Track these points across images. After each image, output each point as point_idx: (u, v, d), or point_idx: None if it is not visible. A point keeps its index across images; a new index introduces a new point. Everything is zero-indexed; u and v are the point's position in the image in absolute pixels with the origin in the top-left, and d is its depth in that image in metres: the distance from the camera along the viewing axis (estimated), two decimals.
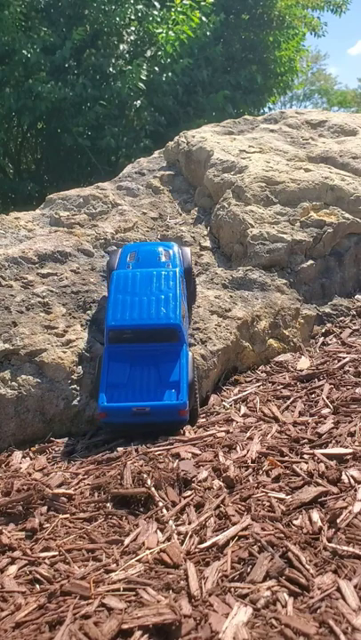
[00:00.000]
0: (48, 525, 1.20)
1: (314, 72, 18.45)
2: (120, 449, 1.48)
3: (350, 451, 1.32)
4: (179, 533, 1.12)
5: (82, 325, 1.81)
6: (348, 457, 1.31)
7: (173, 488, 1.27)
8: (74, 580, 1.01)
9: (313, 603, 0.90)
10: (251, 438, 1.46)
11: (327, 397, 1.64)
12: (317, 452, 1.34)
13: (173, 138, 3.09)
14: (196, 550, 1.06)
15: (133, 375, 1.55)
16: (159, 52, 6.20)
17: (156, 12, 6.29)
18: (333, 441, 1.39)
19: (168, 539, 1.11)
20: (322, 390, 1.69)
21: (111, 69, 6.10)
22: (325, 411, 1.57)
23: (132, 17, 6.24)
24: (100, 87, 6.15)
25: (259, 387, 1.80)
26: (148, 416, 1.51)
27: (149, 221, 2.51)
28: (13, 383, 1.63)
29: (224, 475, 1.29)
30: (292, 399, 1.68)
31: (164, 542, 1.10)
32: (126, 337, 1.59)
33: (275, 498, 1.19)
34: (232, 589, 0.94)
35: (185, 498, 1.24)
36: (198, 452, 1.42)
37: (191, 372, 1.57)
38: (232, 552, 1.04)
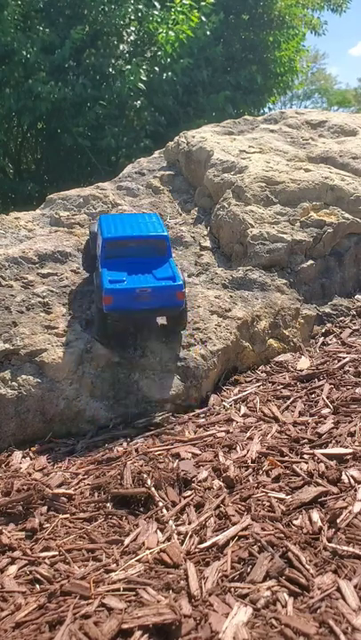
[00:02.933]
0: (48, 525, 1.20)
1: (314, 72, 18.46)
2: (120, 449, 1.48)
3: (350, 451, 1.32)
4: (179, 533, 1.12)
5: (82, 325, 1.81)
6: (349, 457, 1.31)
7: (173, 488, 1.27)
8: (74, 579, 1.01)
9: (313, 603, 0.90)
10: (251, 438, 1.46)
11: (327, 397, 1.64)
12: (317, 451, 1.34)
13: (173, 138, 3.09)
14: (196, 550, 1.07)
15: (132, 274, 1.70)
16: (159, 52, 6.20)
17: (156, 12, 6.29)
18: (333, 441, 1.39)
19: (168, 539, 1.11)
20: (322, 390, 1.69)
21: (111, 70, 6.10)
22: (325, 411, 1.57)
23: (132, 17, 6.24)
24: (100, 87, 6.15)
25: (259, 387, 1.80)
26: (149, 300, 1.63)
27: None
28: (13, 383, 1.63)
29: (224, 475, 1.29)
30: (292, 399, 1.68)
31: (164, 542, 1.10)
32: (120, 252, 1.74)
33: (275, 498, 1.19)
34: (232, 589, 0.94)
35: (185, 498, 1.24)
36: (198, 451, 1.42)
37: (181, 274, 1.74)
38: (232, 552, 1.04)
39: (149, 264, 1.73)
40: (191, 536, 1.11)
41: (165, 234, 1.80)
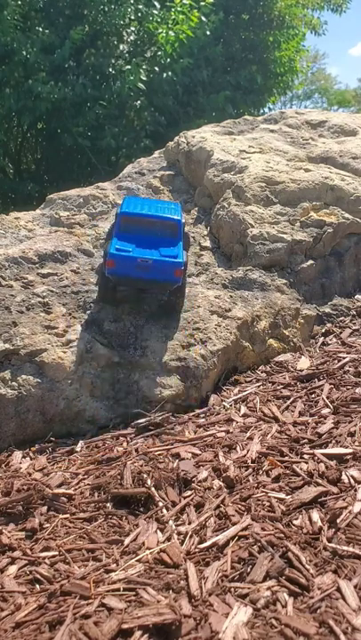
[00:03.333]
0: (48, 525, 1.20)
1: (314, 72, 18.45)
2: (120, 449, 1.48)
3: (350, 451, 1.32)
4: (179, 533, 1.12)
5: (82, 325, 1.81)
6: (348, 457, 1.31)
7: (173, 488, 1.27)
8: (74, 579, 1.01)
9: (313, 603, 0.90)
10: (251, 438, 1.46)
11: (327, 397, 1.64)
12: (317, 451, 1.34)
13: (173, 138, 3.10)
14: (196, 550, 1.06)
15: (139, 247, 1.80)
16: (159, 52, 6.20)
17: (156, 12, 6.29)
18: (333, 441, 1.39)
19: (168, 539, 1.11)
20: (322, 390, 1.69)
21: (111, 70, 6.10)
22: (325, 411, 1.57)
23: (132, 17, 6.24)
24: (99, 87, 6.15)
25: (259, 387, 1.80)
26: (148, 271, 1.73)
27: None
28: (14, 383, 1.63)
29: (224, 475, 1.29)
30: (292, 399, 1.68)
31: (164, 542, 1.10)
32: (133, 228, 1.83)
33: (275, 498, 1.19)
34: (232, 589, 0.94)
35: (185, 498, 1.24)
36: (198, 451, 1.42)
37: (185, 256, 1.84)
38: (232, 552, 1.04)
39: (158, 243, 1.83)
40: (191, 536, 1.11)
41: (179, 218, 1.88)
